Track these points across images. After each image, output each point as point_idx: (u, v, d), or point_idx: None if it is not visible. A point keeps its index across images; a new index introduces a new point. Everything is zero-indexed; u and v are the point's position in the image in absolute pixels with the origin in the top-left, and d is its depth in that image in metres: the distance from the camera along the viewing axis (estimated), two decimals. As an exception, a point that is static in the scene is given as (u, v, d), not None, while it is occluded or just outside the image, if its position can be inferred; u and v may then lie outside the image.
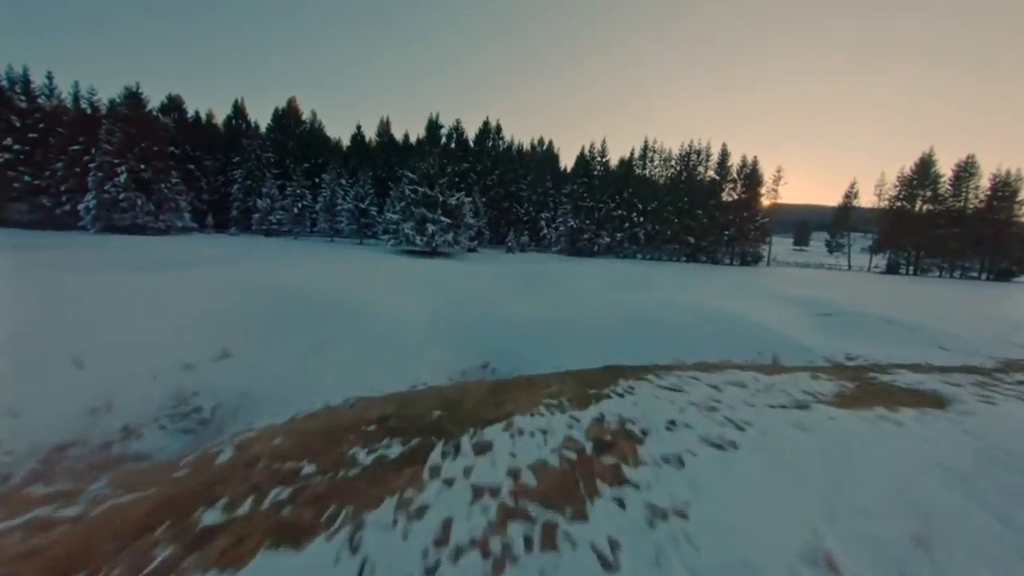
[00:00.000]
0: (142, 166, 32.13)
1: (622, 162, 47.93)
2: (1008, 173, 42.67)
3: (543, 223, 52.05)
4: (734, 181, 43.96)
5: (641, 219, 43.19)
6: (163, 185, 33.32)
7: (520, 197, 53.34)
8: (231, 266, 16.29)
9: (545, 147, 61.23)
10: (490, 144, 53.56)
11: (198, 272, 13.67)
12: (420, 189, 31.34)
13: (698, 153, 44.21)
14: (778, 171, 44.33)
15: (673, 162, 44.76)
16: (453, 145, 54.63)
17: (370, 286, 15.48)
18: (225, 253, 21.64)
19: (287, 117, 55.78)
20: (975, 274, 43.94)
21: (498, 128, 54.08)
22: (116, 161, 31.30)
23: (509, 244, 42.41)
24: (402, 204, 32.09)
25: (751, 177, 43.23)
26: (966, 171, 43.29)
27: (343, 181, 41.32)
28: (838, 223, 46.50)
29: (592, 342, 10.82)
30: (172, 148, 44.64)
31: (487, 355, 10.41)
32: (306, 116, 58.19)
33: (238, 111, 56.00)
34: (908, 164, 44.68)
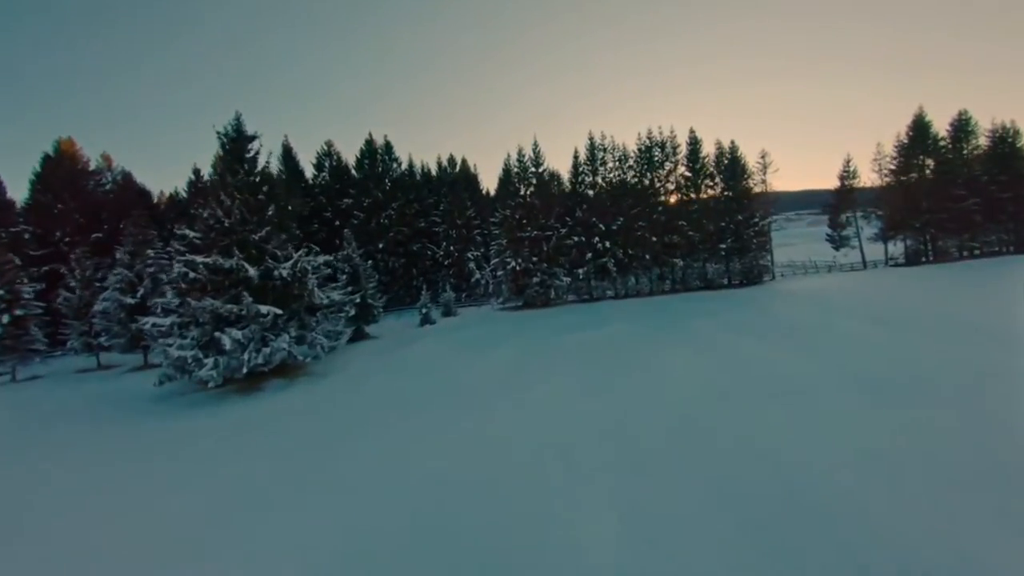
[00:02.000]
0: None
1: (554, 176, 35.18)
2: (1003, 127, 35.97)
3: (472, 265, 37.71)
4: (712, 176, 32.91)
5: (606, 244, 30.33)
6: None
7: (434, 234, 38.75)
8: None
9: (458, 167, 47.45)
10: (380, 169, 38.66)
11: None
12: (202, 260, 15.43)
13: (661, 146, 32.77)
14: (763, 156, 34.10)
15: (631, 162, 32.96)
16: (325, 176, 39.06)
17: None
18: None
19: (59, 168, 36.76)
20: (996, 249, 36.39)
21: (388, 147, 39.42)
22: None
23: (424, 309, 27.30)
24: (174, 295, 15.93)
25: (733, 168, 32.41)
26: (963, 129, 35.98)
27: (138, 248, 23.60)
28: (838, 210, 37.52)
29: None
30: None
31: None
32: (96, 163, 39.49)
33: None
34: (899, 131, 36.67)
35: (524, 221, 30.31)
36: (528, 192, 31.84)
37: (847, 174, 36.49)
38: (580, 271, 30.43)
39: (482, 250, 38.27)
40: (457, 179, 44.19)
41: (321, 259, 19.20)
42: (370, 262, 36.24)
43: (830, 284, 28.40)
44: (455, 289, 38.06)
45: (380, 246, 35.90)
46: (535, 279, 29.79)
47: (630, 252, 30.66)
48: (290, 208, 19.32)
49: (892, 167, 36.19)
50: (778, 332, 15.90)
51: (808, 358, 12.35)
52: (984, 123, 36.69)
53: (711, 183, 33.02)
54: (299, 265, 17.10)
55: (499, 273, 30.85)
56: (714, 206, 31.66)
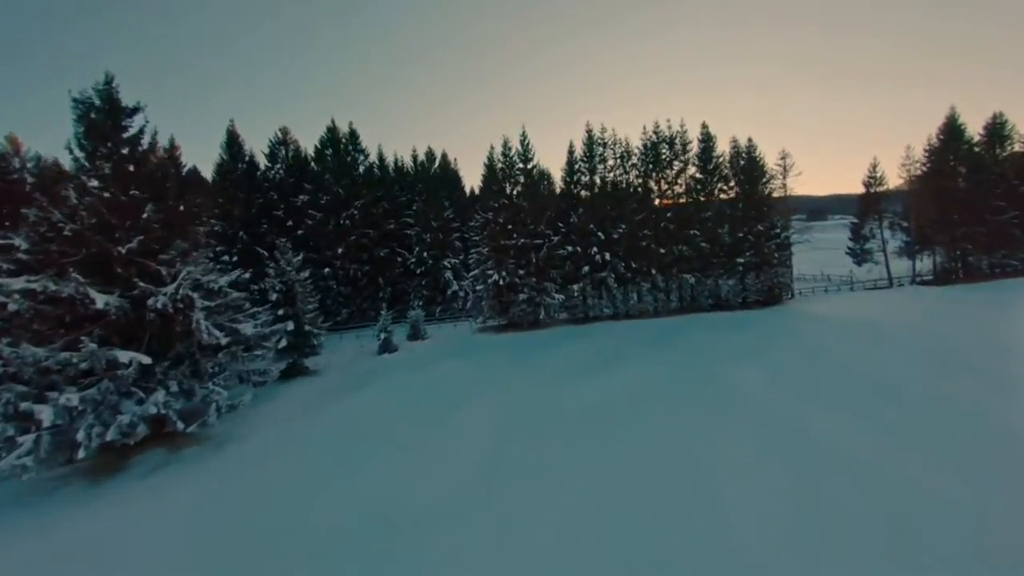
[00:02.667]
0: None
1: (545, 175, 30.50)
2: (1039, 131, 32.54)
3: (448, 274, 32.69)
4: (726, 178, 28.55)
5: (606, 255, 25.68)
6: None
7: (405, 238, 33.59)
8: None
9: (437, 162, 42.33)
10: (344, 161, 33.28)
11: None
12: (20, 286, 10.18)
13: (670, 142, 28.25)
14: (783, 158, 29.89)
15: (635, 160, 28.40)
16: (280, 169, 33.66)
17: None
18: None
19: (-52, 148, 30.39)
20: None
21: (353, 135, 34.07)
22: None
23: (383, 333, 22.15)
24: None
25: (751, 170, 28.11)
26: (998, 133, 32.42)
27: None
28: (862, 221, 33.59)
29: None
30: None
31: None
32: (-1, 144, 33.15)
33: None
34: (929, 134, 32.95)
35: (509, 227, 25.45)
36: (515, 192, 26.97)
37: (873, 180, 32.59)
38: (575, 287, 25.71)
39: (461, 257, 33.29)
40: (435, 176, 39.05)
41: (225, 279, 13.97)
42: (327, 270, 30.97)
43: (867, 308, 24.29)
44: (429, 301, 33.04)
45: (340, 251, 30.56)
46: (521, 296, 24.97)
47: (633, 265, 26.06)
48: (183, 208, 13.92)
49: (920, 173, 32.44)
50: (858, 395, 11.37)
51: (963, 480, 7.73)
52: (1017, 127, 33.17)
53: (725, 187, 28.65)
54: (180, 291, 11.87)
55: (479, 287, 25.93)
56: (730, 213, 27.25)
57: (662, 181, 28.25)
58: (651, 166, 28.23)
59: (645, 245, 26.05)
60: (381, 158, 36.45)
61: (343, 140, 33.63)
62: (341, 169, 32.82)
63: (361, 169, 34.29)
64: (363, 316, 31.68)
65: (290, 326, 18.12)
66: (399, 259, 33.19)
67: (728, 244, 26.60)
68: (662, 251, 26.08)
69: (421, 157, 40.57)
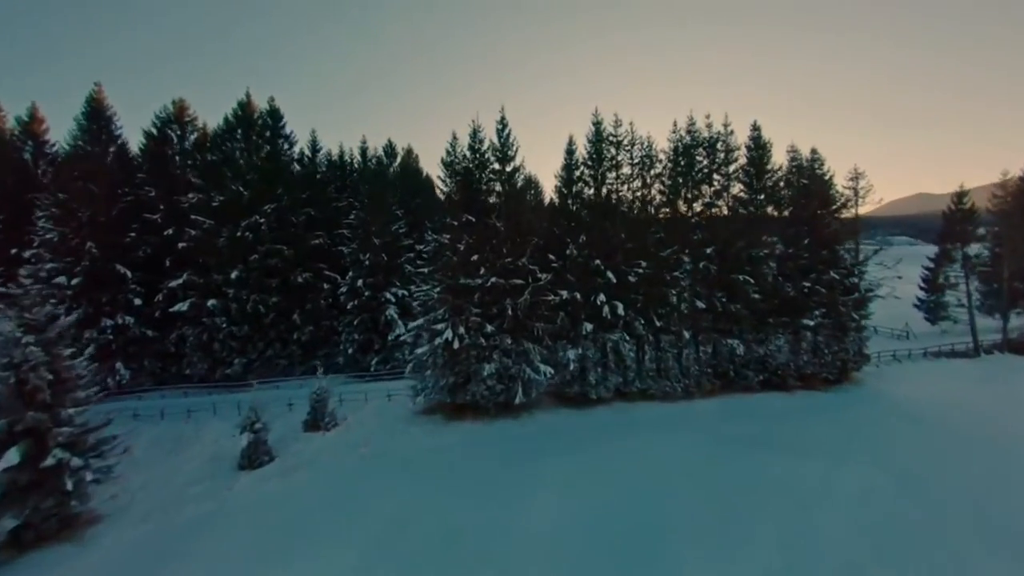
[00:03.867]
0: None
1: (532, 183, 21.86)
2: None
3: (392, 312, 23.68)
4: (780, 201, 20.56)
5: (617, 307, 17.16)
6: None
7: (338, 256, 24.49)
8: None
9: (399, 159, 33.45)
10: (264, 147, 24.06)
11: None
12: None
13: (710, 146, 20.17)
14: (854, 178, 22.08)
15: (660, 168, 20.20)
16: (172, 156, 24.43)
17: None
18: None
19: None
20: None
21: (274, 114, 24.96)
22: None
23: (246, 432, 13.03)
24: None
25: (820, 194, 20.22)
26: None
27: None
28: (938, 266, 26.02)
29: None
30: None
31: None
32: None
33: None
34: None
35: (475, 257, 16.69)
36: (489, 202, 18.29)
37: (961, 212, 24.96)
38: (570, 353, 17.07)
39: (412, 287, 24.35)
40: (391, 176, 30.12)
41: None
42: (213, 302, 21.64)
43: (998, 399, 16.34)
44: (364, 348, 23.91)
45: (234, 274, 21.25)
46: (488, 365, 16.16)
47: (657, 323, 17.62)
48: None
49: (1007, 207, 25.13)
50: None
51: None
52: None
53: (777, 212, 20.67)
54: None
55: (421, 348, 17.01)
56: (792, 255, 19.16)
57: (697, 201, 20.08)
58: (681, 179, 20.05)
59: (677, 293, 17.64)
60: (314, 148, 27.43)
61: (259, 120, 24.51)
62: (254, 160, 23.64)
63: (287, 161, 25.16)
64: (269, 368, 22.33)
65: (13, 457, 9.05)
66: (326, 286, 24.05)
67: (791, 297, 18.44)
68: (699, 304, 17.71)
69: (377, 151, 31.56)
